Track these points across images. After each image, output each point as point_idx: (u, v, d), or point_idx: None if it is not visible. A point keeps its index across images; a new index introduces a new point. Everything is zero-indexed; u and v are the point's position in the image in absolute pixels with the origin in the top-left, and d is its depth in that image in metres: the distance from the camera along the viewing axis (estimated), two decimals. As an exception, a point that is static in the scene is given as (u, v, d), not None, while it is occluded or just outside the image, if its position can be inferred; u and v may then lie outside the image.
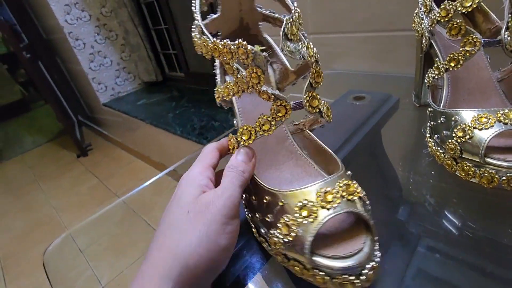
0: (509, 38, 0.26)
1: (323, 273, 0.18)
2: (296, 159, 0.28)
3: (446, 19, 0.27)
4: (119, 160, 1.76)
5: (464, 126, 0.25)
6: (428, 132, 0.31)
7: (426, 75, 0.32)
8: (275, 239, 0.20)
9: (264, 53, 0.20)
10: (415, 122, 0.42)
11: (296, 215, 0.19)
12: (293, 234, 0.19)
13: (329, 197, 0.19)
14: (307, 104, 0.22)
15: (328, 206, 0.19)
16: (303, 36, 0.23)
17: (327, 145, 0.27)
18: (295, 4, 0.23)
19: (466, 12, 0.28)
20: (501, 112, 0.24)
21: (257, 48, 0.20)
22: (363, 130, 0.39)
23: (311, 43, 0.23)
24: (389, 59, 0.54)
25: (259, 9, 0.31)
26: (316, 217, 0.19)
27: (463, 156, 0.25)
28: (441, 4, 0.28)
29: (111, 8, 1.54)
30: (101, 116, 1.87)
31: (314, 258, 0.18)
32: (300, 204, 0.19)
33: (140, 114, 1.39)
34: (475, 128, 0.24)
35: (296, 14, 0.22)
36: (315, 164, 0.27)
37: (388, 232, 0.33)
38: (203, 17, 0.27)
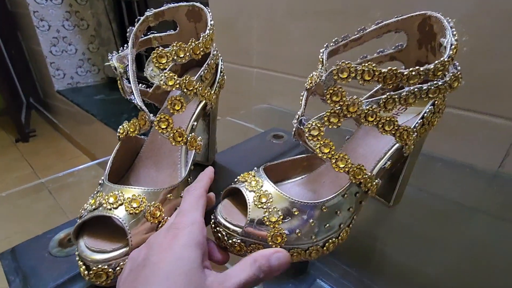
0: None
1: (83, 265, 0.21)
2: (172, 170, 0.29)
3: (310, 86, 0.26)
4: (62, 153, 1.63)
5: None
6: None
7: None
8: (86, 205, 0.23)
9: (120, 70, 0.22)
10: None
11: (89, 200, 0.23)
12: (83, 211, 0.22)
13: (111, 200, 0.21)
14: (157, 123, 0.24)
15: (109, 206, 0.21)
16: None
17: (235, 170, 0.34)
18: (204, 35, 0.27)
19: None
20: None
21: (111, 63, 0.22)
22: (269, 167, 0.40)
23: (187, 79, 0.25)
24: (321, 107, 0.59)
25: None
26: (92, 210, 0.21)
27: None
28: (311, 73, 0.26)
29: (87, -3, 1.51)
30: (53, 103, 1.75)
31: (80, 241, 0.22)
32: (96, 193, 0.23)
33: (93, 109, 1.33)
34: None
35: (176, 48, 0.24)
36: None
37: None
38: (156, 30, 0.32)
